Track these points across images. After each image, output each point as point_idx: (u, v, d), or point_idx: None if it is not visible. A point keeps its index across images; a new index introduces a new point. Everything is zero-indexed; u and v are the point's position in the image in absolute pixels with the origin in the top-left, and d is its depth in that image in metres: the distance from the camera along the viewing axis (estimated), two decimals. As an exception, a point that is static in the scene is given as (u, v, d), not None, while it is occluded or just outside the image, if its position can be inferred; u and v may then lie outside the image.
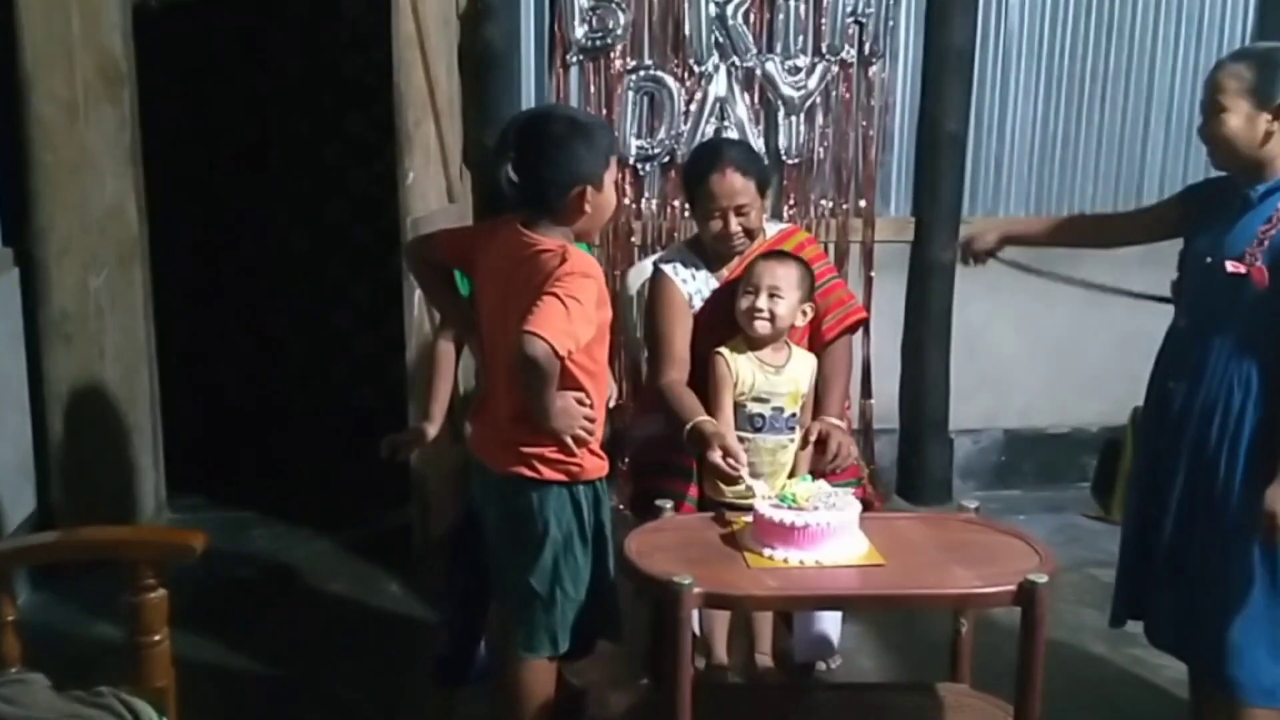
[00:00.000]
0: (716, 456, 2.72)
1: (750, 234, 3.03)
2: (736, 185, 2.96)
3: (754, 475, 2.82)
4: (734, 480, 2.73)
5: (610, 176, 2.42)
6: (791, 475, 2.85)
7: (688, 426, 2.82)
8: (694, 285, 3.06)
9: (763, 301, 2.82)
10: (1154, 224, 2.93)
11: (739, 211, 2.97)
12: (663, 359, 3.00)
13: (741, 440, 2.83)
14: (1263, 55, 2.58)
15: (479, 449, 2.56)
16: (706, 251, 3.08)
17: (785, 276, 2.85)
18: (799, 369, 2.92)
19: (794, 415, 2.90)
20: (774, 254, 2.94)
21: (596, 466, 2.47)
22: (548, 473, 2.41)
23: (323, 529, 4.21)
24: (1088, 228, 3.34)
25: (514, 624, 2.51)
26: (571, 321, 2.27)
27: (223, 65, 5.47)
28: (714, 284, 3.06)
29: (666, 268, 3.08)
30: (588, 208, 2.38)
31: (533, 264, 2.34)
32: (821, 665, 3.15)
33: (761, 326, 2.85)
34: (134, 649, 2.16)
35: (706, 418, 2.82)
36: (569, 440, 2.39)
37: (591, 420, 2.42)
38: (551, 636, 2.48)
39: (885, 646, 3.37)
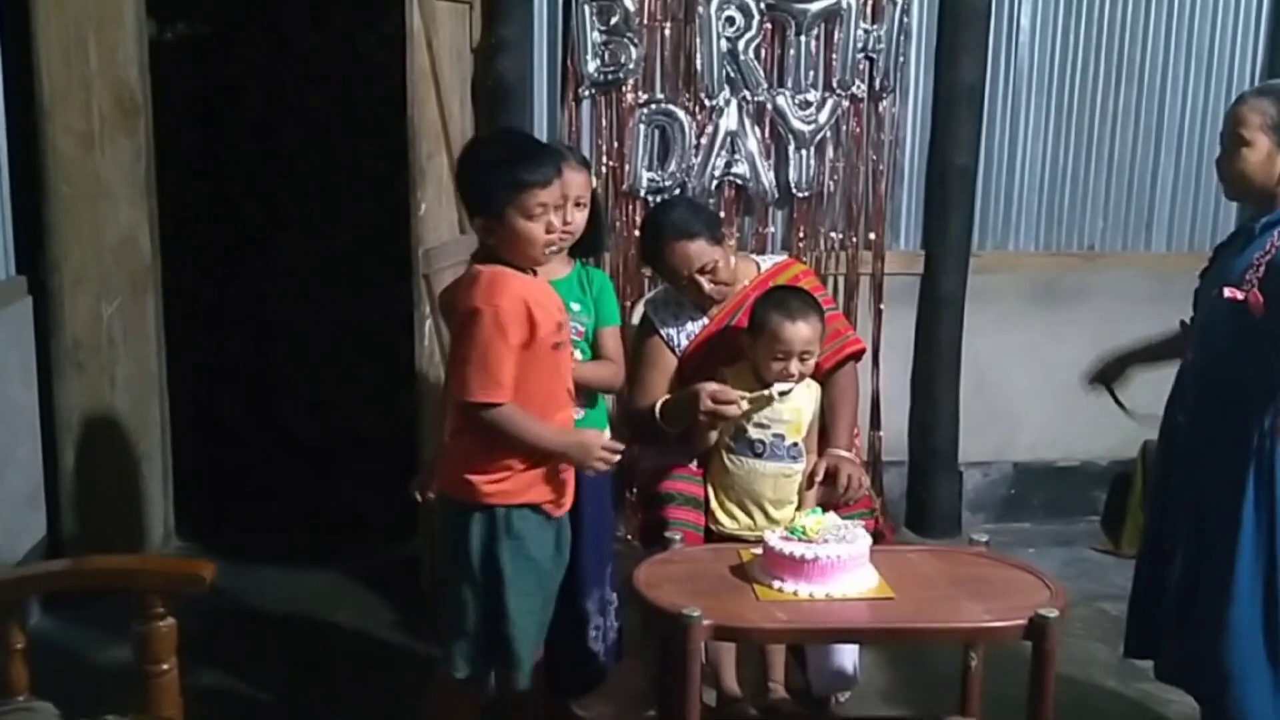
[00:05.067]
0: (709, 404, 2.80)
1: (727, 284, 3.06)
2: (690, 251, 3.00)
3: (754, 502, 2.87)
4: (730, 413, 2.81)
5: (518, 210, 2.37)
6: (800, 508, 2.86)
7: (658, 408, 2.96)
8: (679, 327, 3.13)
9: (794, 366, 2.85)
10: None
11: (703, 271, 3.01)
12: (635, 401, 3.12)
13: (741, 464, 2.87)
14: None
15: None
16: None
17: (813, 334, 2.86)
18: (802, 397, 2.93)
19: (796, 444, 2.92)
20: (789, 303, 2.90)
21: (499, 492, 2.45)
22: (454, 492, 2.50)
23: (329, 559, 4.20)
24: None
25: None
26: (489, 364, 2.36)
27: (236, 97, 5.53)
28: (704, 321, 3.10)
29: (652, 315, 3.18)
30: (492, 240, 2.42)
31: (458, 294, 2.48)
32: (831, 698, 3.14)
33: (793, 384, 2.88)
34: (143, 678, 2.16)
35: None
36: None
37: (614, 451, 2.49)
38: (464, 657, 2.52)
39: (895, 679, 3.35)
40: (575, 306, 2.82)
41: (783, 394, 2.86)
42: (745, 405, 2.84)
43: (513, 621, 2.49)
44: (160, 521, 4.17)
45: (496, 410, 2.38)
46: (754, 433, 2.90)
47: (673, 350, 3.12)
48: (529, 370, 2.42)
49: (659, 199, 4.11)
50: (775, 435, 2.91)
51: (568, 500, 2.58)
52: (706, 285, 3.02)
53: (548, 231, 2.41)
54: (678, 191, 4.15)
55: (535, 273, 2.49)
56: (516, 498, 2.46)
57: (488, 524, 2.46)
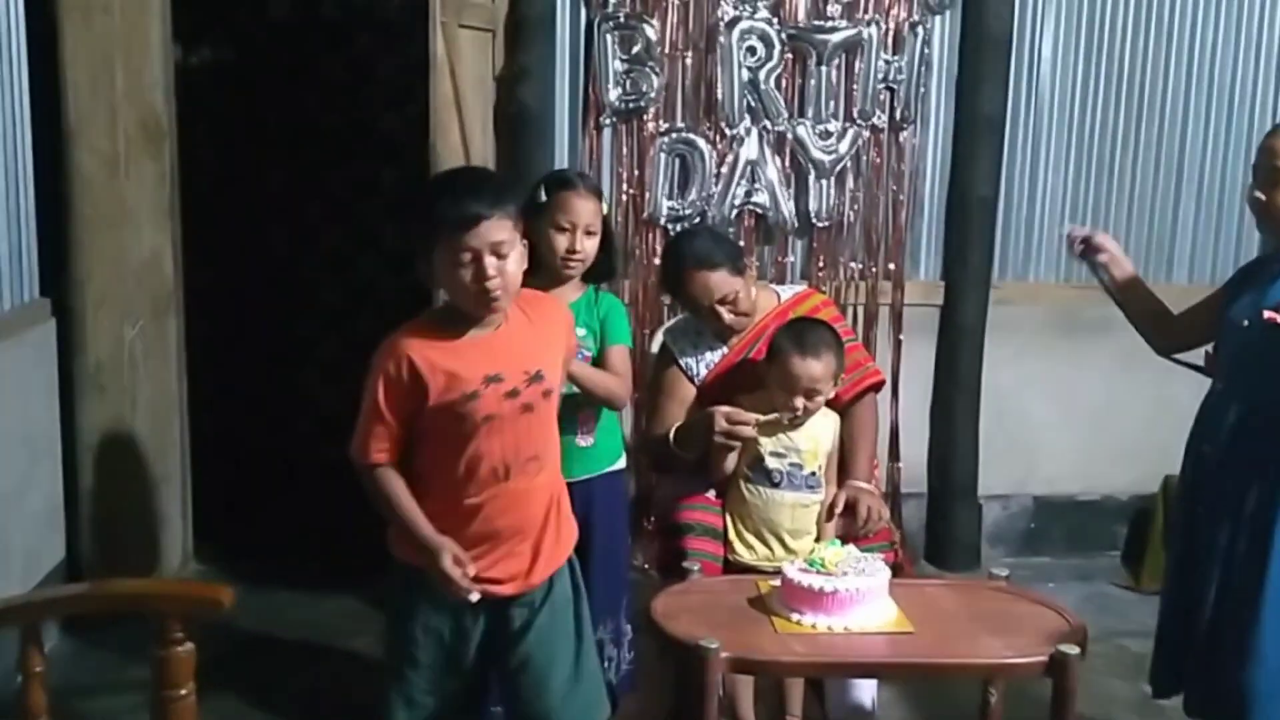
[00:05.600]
0: (723, 424, 2.78)
1: (747, 314, 3.06)
2: (711, 281, 2.99)
3: (771, 532, 2.86)
4: (745, 434, 2.80)
5: (440, 255, 2.17)
6: (819, 539, 2.85)
7: (671, 433, 2.96)
8: (698, 356, 3.13)
9: (799, 403, 2.84)
10: (1207, 312, 2.85)
11: (723, 302, 3.01)
12: (652, 430, 3.14)
13: (758, 494, 2.88)
14: None
15: None
16: None
17: (823, 372, 2.85)
18: (820, 427, 2.93)
19: (814, 474, 2.91)
20: (805, 337, 2.89)
21: (399, 546, 2.36)
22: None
23: (348, 584, 4.20)
24: (1163, 322, 3.00)
25: None
26: (361, 421, 2.26)
27: (260, 121, 5.56)
28: (724, 350, 3.10)
29: (671, 344, 3.17)
30: (430, 280, 2.24)
31: None
32: (848, 732, 3.12)
33: (801, 419, 2.88)
34: (161, 704, 2.16)
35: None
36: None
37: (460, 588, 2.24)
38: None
39: (913, 714, 3.33)
40: (581, 332, 2.82)
41: (792, 419, 2.85)
42: (758, 421, 2.83)
43: (386, 691, 2.40)
44: (179, 544, 4.18)
45: (366, 471, 2.29)
46: (771, 462, 2.90)
47: (691, 380, 3.12)
48: (428, 437, 2.26)
49: (679, 227, 4.11)
50: (792, 465, 2.90)
51: (502, 584, 2.32)
52: (726, 315, 3.02)
53: (478, 280, 2.15)
54: (697, 220, 4.16)
55: (506, 321, 2.28)
56: (416, 559, 2.31)
57: (391, 573, 2.37)
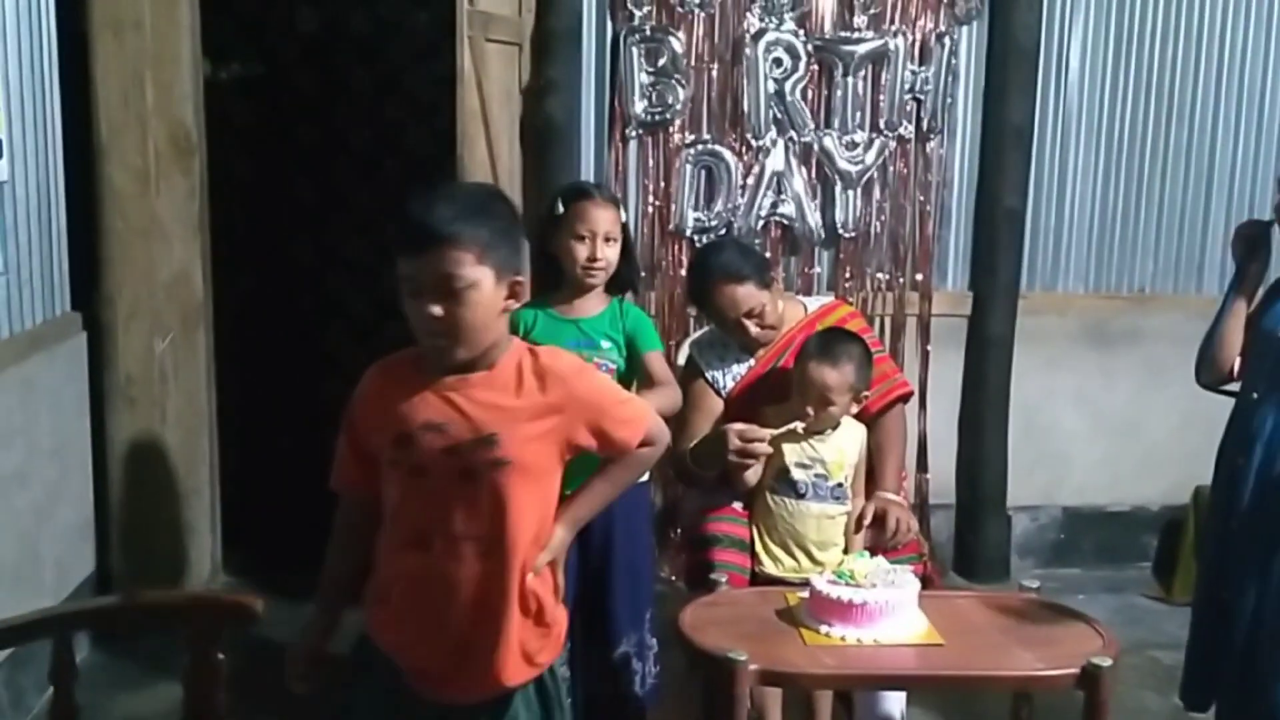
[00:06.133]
0: (737, 442, 2.77)
1: (774, 327, 3.05)
2: (738, 294, 2.99)
3: (797, 544, 2.85)
4: (760, 450, 2.78)
5: (403, 284, 1.85)
6: (847, 551, 2.84)
7: (690, 449, 2.92)
8: (724, 369, 3.11)
9: (812, 409, 2.83)
10: None
11: (750, 315, 3.00)
12: (678, 444, 3.05)
13: (784, 505, 2.86)
14: None
15: None
16: None
17: (837, 382, 2.83)
18: (846, 438, 2.91)
19: (840, 485, 2.89)
20: (829, 346, 2.88)
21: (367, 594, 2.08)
22: None
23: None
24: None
25: None
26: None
27: (289, 135, 5.60)
28: (750, 363, 3.09)
29: (698, 356, 3.15)
30: None
31: None
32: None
33: (813, 426, 2.86)
34: (192, 715, 2.17)
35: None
36: None
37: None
38: None
39: (942, 728, 3.31)
40: (605, 344, 2.81)
41: (806, 428, 2.84)
42: (770, 436, 2.82)
43: None
44: (208, 556, 4.20)
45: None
46: (796, 473, 2.88)
47: (718, 392, 3.11)
48: (382, 476, 2.00)
49: (705, 239, 4.11)
50: (818, 476, 2.88)
51: (426, 677, 2.03)
52: (753, 328, 3.01)
53: (418, 319, 1.83)
54: (723, 232, 4.16)
55: (490, 370, 1.91)
56: (367, 617, 2.11)
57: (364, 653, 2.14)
